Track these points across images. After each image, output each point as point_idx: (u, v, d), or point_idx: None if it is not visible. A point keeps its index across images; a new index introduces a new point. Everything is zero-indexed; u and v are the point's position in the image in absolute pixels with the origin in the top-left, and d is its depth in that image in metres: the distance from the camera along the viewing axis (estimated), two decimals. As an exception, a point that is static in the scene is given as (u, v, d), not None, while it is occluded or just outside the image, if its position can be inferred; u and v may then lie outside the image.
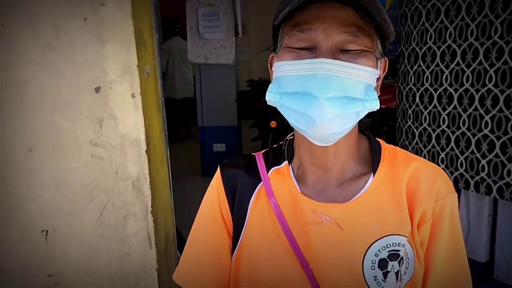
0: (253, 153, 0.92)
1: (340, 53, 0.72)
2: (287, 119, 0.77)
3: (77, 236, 1.39)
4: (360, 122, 0.80)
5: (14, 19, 1.27)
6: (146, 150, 1.34)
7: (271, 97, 0.77)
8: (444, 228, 0.81)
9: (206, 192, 0.92)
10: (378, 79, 0.78)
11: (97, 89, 1.29)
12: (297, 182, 0.85)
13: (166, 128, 1.59)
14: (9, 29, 1.28)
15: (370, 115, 0.81)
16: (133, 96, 1.29)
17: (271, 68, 0.82)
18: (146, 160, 1.35)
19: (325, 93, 0.69)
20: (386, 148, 0.87)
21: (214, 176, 0.91)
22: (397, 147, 0.89)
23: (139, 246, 1.41)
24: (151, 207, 1.39)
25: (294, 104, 0.73)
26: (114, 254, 1.41)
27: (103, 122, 1.31)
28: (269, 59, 0.83)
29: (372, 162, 0.84)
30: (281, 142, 0.93)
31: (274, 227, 0.82)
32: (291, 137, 0.90)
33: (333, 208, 0.80)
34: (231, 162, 0.92)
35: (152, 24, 1.47)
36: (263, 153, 0.92)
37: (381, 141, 0.88)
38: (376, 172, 0.82)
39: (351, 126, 0.75)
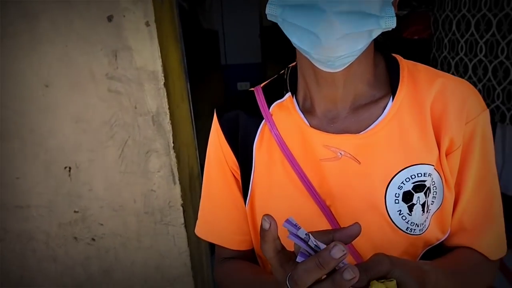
0: (251, 88, 0.83)
1: None
2: (289, 38, 0.66)
3: (100, 173, 1.38)
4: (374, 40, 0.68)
5: None
6: (164, 83, 1.28)
7: (272, 10, 0.65)
8: (476, 151, 0.72)
9: (208, 141, 0.84)
10: None
11: (110, 18, 1.21)
12: (303, 115, 0.75)
13: (185, 60, 1.51)
14: (13, -44, 1.20)
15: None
16: (147, 24, 1.21)
17: None
18: (165, 94, 1.29)
19: (335, 6, 0.58)
20: (405, 65, 0.75)
21: (213, 122, 0.83)
22: (418, 63, 0.77)
23: (162, 182, 1.39)
24: (173, 143, 1.35)
25: (297, 19, 0.61)
26: (138, 190, 1.40)
27: (118, 54, 1.25)
28: None
29: (390, 83, 0.73)
30: (282, 71, 0.82)
31: (284, 166, 0.75)
32: (293, 64, 0.80)
33: (348, 139, 0.71)
34: (227, 103, 0.83)
35: None
36: (262, 86, 0.82)
37: (399, 57, 0.77)
38: (396, 95, 0.72)
39: (361, 47, 0.64)
